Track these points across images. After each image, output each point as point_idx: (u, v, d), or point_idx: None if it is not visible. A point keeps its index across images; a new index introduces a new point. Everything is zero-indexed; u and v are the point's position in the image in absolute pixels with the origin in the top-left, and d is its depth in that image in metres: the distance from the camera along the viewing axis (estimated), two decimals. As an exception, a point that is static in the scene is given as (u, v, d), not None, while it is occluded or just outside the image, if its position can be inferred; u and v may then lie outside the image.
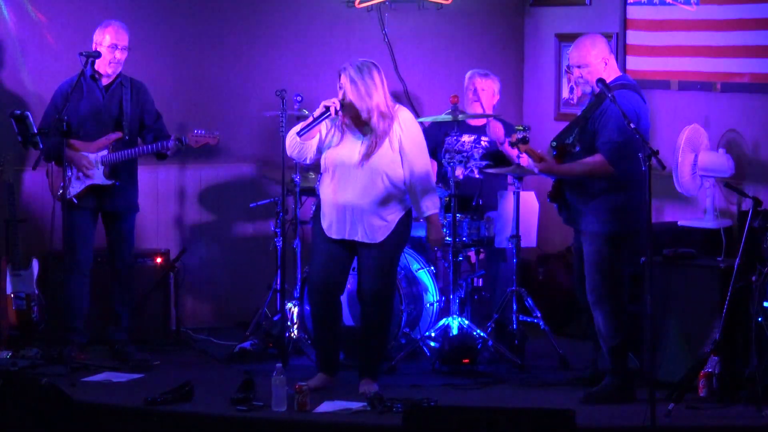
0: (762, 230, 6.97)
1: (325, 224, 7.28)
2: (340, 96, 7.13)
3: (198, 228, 9.07)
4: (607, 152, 6.97)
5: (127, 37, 7.88)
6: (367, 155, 7.15)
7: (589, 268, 7.14)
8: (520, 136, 7.28)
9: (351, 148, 7.21)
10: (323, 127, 7.23)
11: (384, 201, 7.20)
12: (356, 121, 7.20)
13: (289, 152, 7.33)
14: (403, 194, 7.25)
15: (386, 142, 7.16)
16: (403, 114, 7.25)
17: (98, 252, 8.09)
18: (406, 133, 7.20)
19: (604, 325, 7.13)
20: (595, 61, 7.14)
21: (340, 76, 7.14)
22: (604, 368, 7.20)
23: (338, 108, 7.10)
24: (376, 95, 7.11)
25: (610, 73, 7.14)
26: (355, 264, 7.44)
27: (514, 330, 7.94)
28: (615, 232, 7.07)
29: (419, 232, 8.27)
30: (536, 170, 7.23)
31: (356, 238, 7.22)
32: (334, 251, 7.31)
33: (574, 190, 7.15)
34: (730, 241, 7.43)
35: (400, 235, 7.31)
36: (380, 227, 7.22)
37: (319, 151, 7.29)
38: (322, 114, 7.13)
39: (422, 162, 7.26)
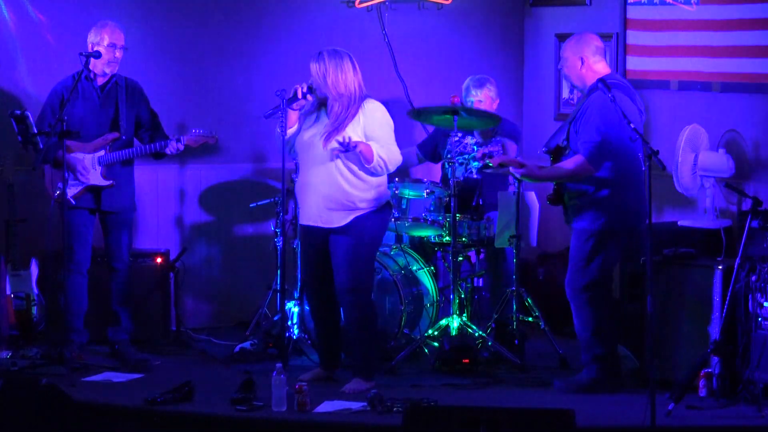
0: (762, 230, 6.98)
1: (299, 211, 7.37)
2: (310, 81, 7.24)
3: (198, 228, 9.08)
4: (586, 152, 7.05)
5: (123, 37, 7.88)
6: (325, 138, 7.18)
7: (570, 261, 7.24)
8: (486, 151, 7.36)
9: (316, 131, 7.27)
10: (295, 116, 7.31)
11: (344, 186, 7.21)
12: (325, 106, 7.28)
13: (290, 153, 7.47)
14: (370, 184, 7.26)
15: (349, 129, 7.17)
16: (369, 104, 7.25)
17: (97, 252, 8.10)
18: (369, 119, 7.21)
19: (576, 317, 7.25)
20: (572, 57, 7.19)
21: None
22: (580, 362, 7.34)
23: (305, 91, 7.18)
24: (339, 81, 7.18)
25: (588, 73, 7.17)
26: None
27: (514, 330, 7.94)
28: (600, 230, 7.12)
29: (419, 232, 8.29)
30: (518, 175, 7.29)
31: (320, 224, 7.27)
32: (314, 242, 7.37)
33: (568, 188, 7.22)
34: (730, 241, 7.43)
35: (371, 227, 7.30)
36: (341, 212, 7.23)
37: None
38: (291, 98, 7.22)
39: (386, 141, 7.23)
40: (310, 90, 7.21)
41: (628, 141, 7.01)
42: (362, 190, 7.24)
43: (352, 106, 7.20)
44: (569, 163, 7.15)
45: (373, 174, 7.22)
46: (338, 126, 7.17)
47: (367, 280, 7.38)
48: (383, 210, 7.37)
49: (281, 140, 7.34)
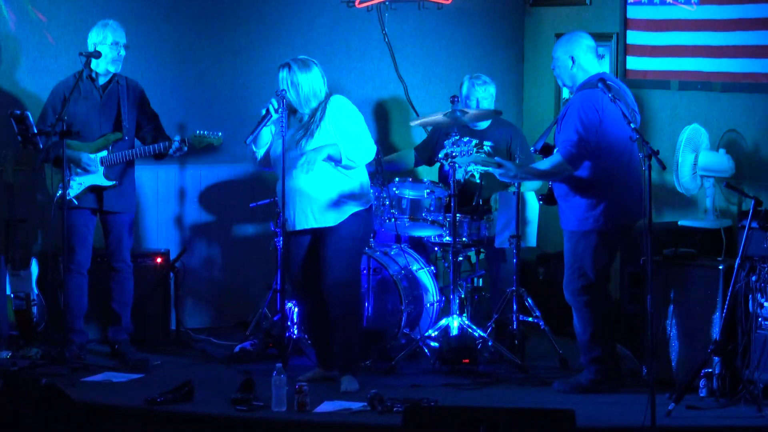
0: (762, 230, 6.98)
1: (285, 220, 7.38)
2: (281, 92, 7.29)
3: (198, 228, 9.07)
4: (564, 151, 7.08)
5: (124, 35, 7.88)
6: (299, 141, 7.27)
7: (565, 264, 7.28)
8: (448, 150, 7.45)
9: (291, 138, 7.32)
10: (269, 132, 7.39)
11: (327, 185, 7.27)
12: (294, 111, 7.36)
13: (258, 167, 7.58)
14: (353, 178, 7.34)
15: (321, 129, 7.26)
16: (334, 102, 7.33)
17: (98, 252, 8.09)
18: (337, 118, 7.30)
19: (577, 320, 7.28)
20: (562, 57, 7.22)
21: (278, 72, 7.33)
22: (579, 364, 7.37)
23: (275, 107, 7.25)
24: (310, 94, 7.27)
25: (579, 72, 7.19)
26: None
27: (514, 330, 7.94)
28: (588, 231, 7.14)
29: (419, 232, 8.29)
30: (496, 175, 7.31)
31: (310, 226, 7.32)
32: (298, 241, 7.41)
33: (558, 189, 7.25)
34: (730, 241, 7.43)
35: (358, 228, 7.37)
36: (329, 211, 7.30)
37: None
38: (263, 117, 7.30)
39: (355, 136, 7.31)
40: (282, 99, 7.26)
41: (618, 140, 7.03)
42: (349, 185, 7.32)
43: (318, 110, 7.29)
44: (547, 162, 7.19)
45: (349, 168, 7.31)
46: (308, 129, 7.27)
47: (357, 275, 7.48)
48: (370, 209, 7.48)
49: (281, 140, 7.34)
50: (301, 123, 7.34)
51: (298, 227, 7.36)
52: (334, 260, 7.31)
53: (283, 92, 7.29)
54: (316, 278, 7.44)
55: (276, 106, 7.27)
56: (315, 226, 7.32)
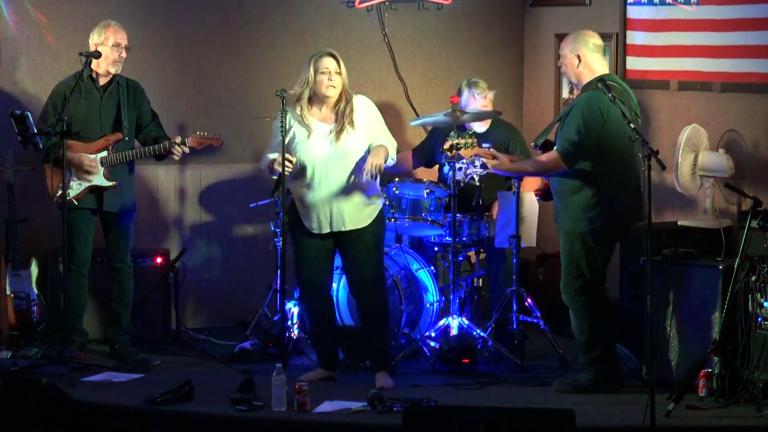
0: (762, 230, 6.98)
1: (309, 223, 7.34)
2: (330, 80, 7.23)
3: (198, 228, 9.08)
4: (561, 149, 7.09)
5: (126, 36, 7.88)
6: (337, 135, 7.24)
7: (562, 266, 7.25)
8: (452, 143, 7.35)
9: (321, 139, 7.29)
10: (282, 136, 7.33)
11: (364, 183, 7.29)
12: (322, 113, 7.32)
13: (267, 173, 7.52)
14: (374, 182, 7.36)
15: (353, 127, 7.27)
16: (360, 102, 7.37)
17: (98, 252, 8.10)
18: (368, 119, 7.35)
19: (574, 320, 7.27)
20: (569, 55, 7.22)
21: (318, 60, 7.25)
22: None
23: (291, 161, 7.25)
24: (346, 79, 7.33)
25: (585, 70, 7.18)
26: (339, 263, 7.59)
27: (514, 330, 7.94)
28: (587, 231, 7.14)
29: (419, 232, 8.29)
30: (489, 167, 7.31)
31: (344, 228, 7.30)
32: (319, 245, 7.39)
33: (556, 189, 7.25)
34: (730, 241, 7.43)
35: (382, 224, 7.49)
36: (363, 212, 7.33)
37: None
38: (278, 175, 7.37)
39: (386, 134, 7.43)
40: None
41: (619, 142, 7.03)
42: (373, 184, 7.35)
43: (347, 104, 7.30)
44: (543, 158, 7.20)
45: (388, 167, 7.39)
46: (344, 124, 7.26)
47: (384, 271, 7.57)
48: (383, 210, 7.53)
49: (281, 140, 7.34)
50: (328, 123, 7.31)
51: (330, 230, 7.32)
52: (366, 260, 7.36)
53: (284, 92, 7.30)
54: (328, 281, 7.48)
55: (282, 122, 7.25)
56: (351, 228, 7.32)
